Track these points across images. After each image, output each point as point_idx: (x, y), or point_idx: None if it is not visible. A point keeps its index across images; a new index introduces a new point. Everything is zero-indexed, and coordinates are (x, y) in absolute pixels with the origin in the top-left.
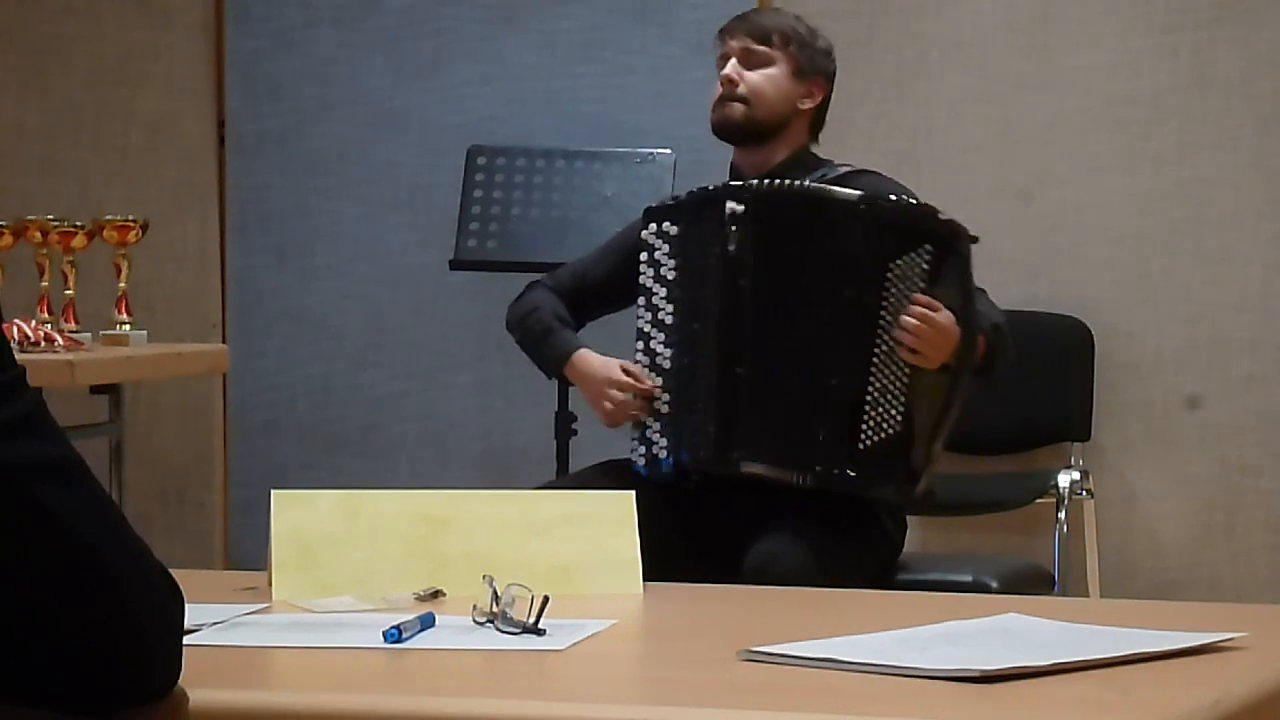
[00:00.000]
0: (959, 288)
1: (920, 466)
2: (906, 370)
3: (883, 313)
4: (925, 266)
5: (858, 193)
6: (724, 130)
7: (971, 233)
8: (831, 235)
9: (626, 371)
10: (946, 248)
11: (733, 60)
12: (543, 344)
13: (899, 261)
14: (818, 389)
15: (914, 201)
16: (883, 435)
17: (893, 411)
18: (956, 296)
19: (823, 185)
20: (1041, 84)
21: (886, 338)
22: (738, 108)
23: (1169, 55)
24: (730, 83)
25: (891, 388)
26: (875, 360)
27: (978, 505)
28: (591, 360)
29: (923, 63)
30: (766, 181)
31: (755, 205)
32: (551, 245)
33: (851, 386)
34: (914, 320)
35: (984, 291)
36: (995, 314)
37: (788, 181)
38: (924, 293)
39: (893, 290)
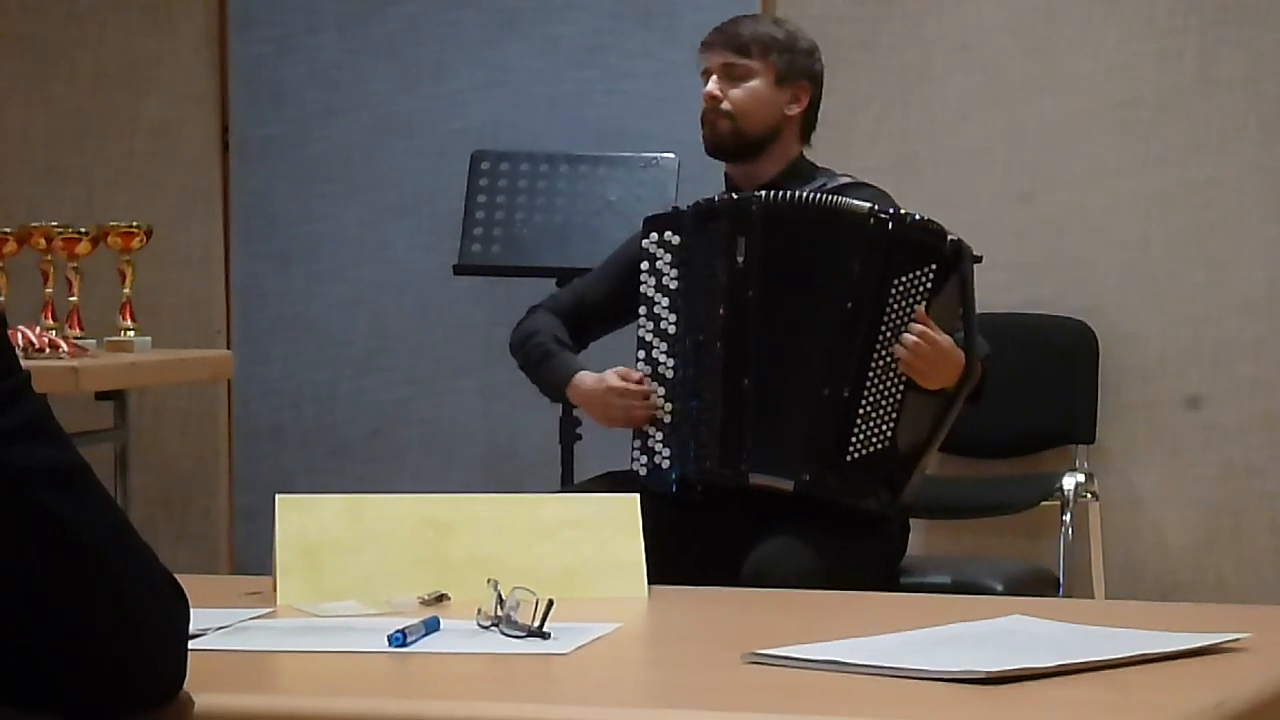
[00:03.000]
0: (960, 310)
1: (903, 482)
2: (900, 388)
3: (882, 328)
4: (928, 286)
5: (869, 205)
6: (717, 150)
7: (976, 251)
8: (838, 246)
9: (622, 377)
10: (951, 269)
11: (714, 78)
12: (542, 368)
13: (903, 279)
14: (811, 397)
15: (925, 219)
16: (870, 450)
17: (883, 427)
18: (956, 319)
19: (836, 196)
20: (1045, 86)
21: (884, 353)
22: (725, 124)
23: (1173, 58)
24: (714, 99)
25: (884, 403)
26: (871, 375)
27: (982, 508)
28: (587, 378)
29: (926, 66)
30: (774, 193)
31: (764, 217)
32: (555, 250)
33: (844, 398)
34: (914, 337)
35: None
36: (985, 345)
37: (797, 194)
38: (925, 311)
39: (894, 307)
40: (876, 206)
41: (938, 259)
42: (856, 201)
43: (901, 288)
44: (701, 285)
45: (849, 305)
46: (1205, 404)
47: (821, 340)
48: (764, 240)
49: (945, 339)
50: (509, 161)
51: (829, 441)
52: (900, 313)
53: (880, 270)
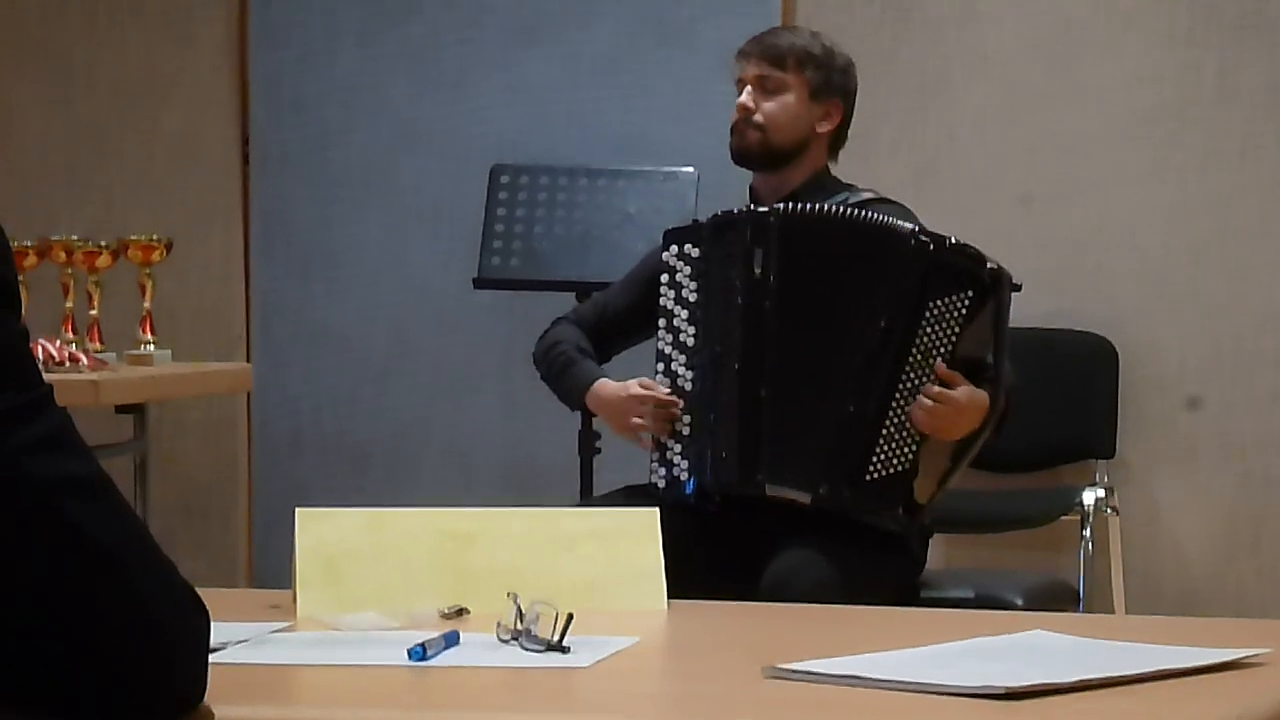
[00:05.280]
0: (992, 339)
1: (922, 504)
2: None
3: (914, 350)
4: (964, 311)
5: (911, 226)
6: (742, 158)
7: (996, 263)
8: (875, 264)
9: (644, 386)
10: (988, 295)
11: (748, 88)
12: (564, 377)
13: (939, 302)
14: (835, 412)
15: (965, 244)
16: (891, 470)
17: (905, 449)
18: (988, 348)
19: (875, 214)
20: (1065, 97)
21: (913, 375)
22: (753, 135)
23: (1192, 68)
24: (746, 110)
25: (909, 425)
26: (898, 395)
27: (1002, 522)
28: (608, 385)
29: (946, 77)
30: (794, 205)
31: (784, 228)
32: (574, 263)
33: (869, 416)
34: (930, 401)
35: None
36: (1012, 374)
37: (822, 207)
38: (957, 337)
39: (928, 330)
40: (918, 228)
41: (976, 285)
42: (898, 220)
43: (937, 311)
44: (720, 297)
45: (882, 324)
46: (1206, 405)
47: (849, 356)
48: (783, 252)
49: (963, 391)
50: (528, 174)
51: (851, 458)
52: (934, 336)
53: (917, 291)
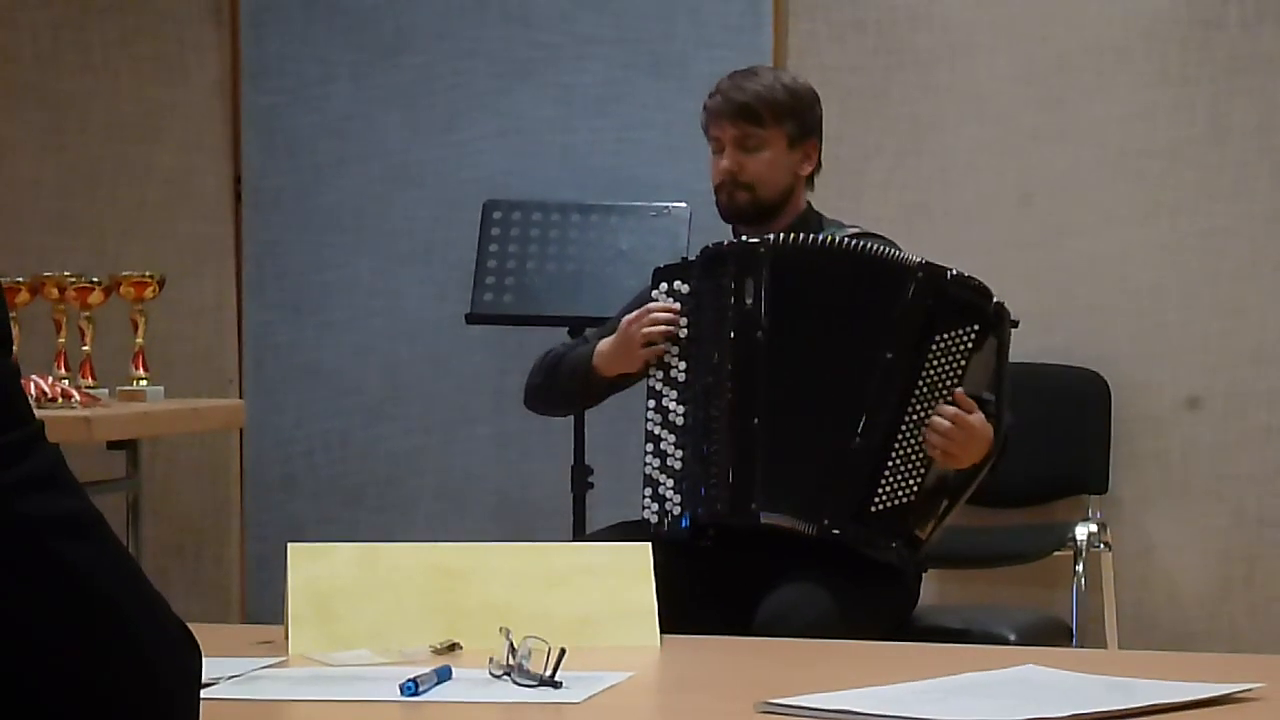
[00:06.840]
0: (995, 374)
1: (923, 538)
2: None
3: (919, 383)
4: (969, 345)
5: (918, 259)
6: (734, 217)
7: (1014, 316)
8: (877, 294)
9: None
10: (992, 331)
11: (728, 150)
12: (562, 366)
13: (945, 335)
14: (839, 444)
15: (970, 277)
16: (895, 503)
17: (910, 482)
18: (990, 383)
19: (878, 245)
20: (1057, 136)
21: (918, 408)
22: (743, 196)
23: (1185, 107)
24: (730, 174)
25: (913, 458)
26: (904, 428)
27: (995, 557)
28: (606, 341)
29: (938, 115)
30: (787, 237)
31: (775, 258)
32: (567, 299)
33: (875, 449)
34: (946, 421)
35: None
36: (1010, 412)
37: (816, 238)
38: (962, 370)
39: (934, 363)
40: (923, 259)
41: (981, 319)
42: (904, 253)
43: (943, 344)
44: (711, 330)
45: (886, 355)
46: (1199, 441)
47: (850, 387)
48: (775, 281)
49: (977, 418)
50: (521, 211)
51: (856, 490)
52: (939, 369)
53: (924, 324)
